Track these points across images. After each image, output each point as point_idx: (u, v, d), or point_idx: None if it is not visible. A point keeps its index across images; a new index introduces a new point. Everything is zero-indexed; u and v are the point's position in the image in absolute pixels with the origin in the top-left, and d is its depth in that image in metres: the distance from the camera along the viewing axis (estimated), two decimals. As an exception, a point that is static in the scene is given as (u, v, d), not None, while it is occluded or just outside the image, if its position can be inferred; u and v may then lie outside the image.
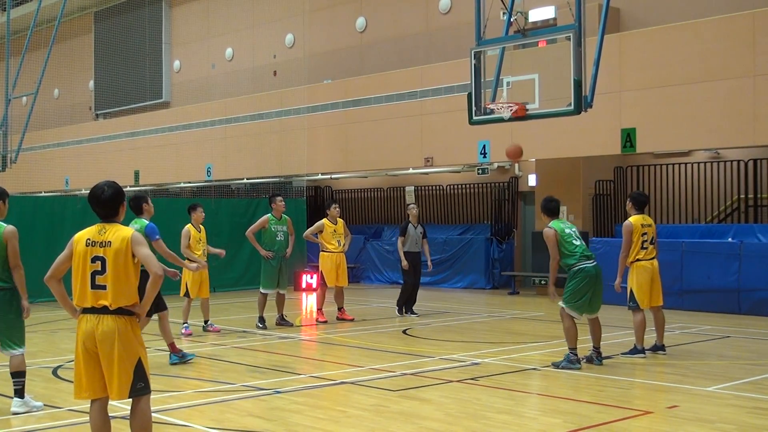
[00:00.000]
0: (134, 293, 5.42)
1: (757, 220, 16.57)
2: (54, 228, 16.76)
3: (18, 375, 7.41)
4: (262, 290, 13.20)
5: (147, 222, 9.73)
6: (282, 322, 13.40)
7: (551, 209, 9.60)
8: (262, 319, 13.12)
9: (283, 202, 13.34)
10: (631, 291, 10.12)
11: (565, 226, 9.52)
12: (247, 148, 24.18)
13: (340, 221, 14.22)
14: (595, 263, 9.42)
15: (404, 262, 14.34)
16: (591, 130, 16.41)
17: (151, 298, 5.41)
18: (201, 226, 12.47)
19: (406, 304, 14.68)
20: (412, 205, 14.97)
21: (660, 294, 10.29)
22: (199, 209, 12.59)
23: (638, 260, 10.13)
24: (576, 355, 9.33)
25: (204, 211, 12.81)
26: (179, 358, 9.85)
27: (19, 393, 7.42)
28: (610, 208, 18.76)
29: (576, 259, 9.34)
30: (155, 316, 9.52)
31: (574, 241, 9.39)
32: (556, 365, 9.38)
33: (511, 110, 12.08)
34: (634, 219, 10.22)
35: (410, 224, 14.47)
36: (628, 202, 10.54)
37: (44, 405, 7.53)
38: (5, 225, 7.34)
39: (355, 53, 24.55)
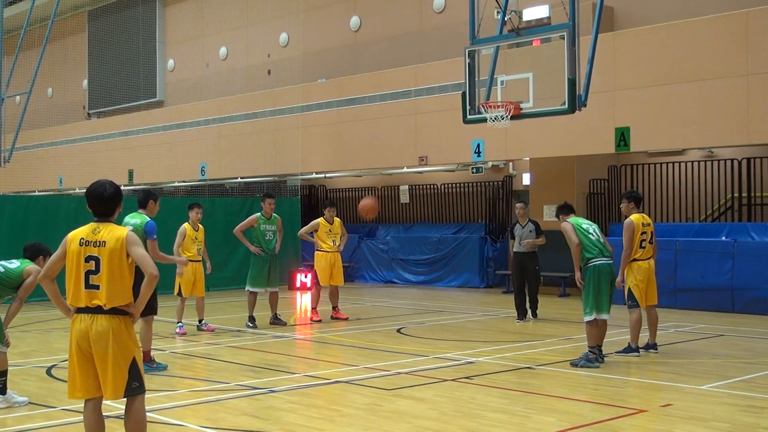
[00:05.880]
0: (129, 293, 5.40)
1: (751, 218, 16.61)
2: (47, 227, 16.70)
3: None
4: (251, 288, 13.14)
5: (148, 219, 9.27)
6: (276, 321, 13.34)
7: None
8: (252, 319, 13.08)
9: (273, 204, 13.27)
10: (629, 290, 10.14)
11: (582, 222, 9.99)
12: (242, 147, 24.14)
13: (337, 220, 14.32)
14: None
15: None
16: (585, 129, 16.43)
17: (145, 297, 5.40)
18: (199, 225, 12.72)
19: (519, 308, 13.85)
20: (519, 204, 14.30)
21: (655, 293, 10.31)
22: (196, 209, 12.67)
23: (635, 260, 10.12)
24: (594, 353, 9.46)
25: (202, 211, 12.82)
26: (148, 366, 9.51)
27: (1, 391, 7.46)
28: (604, 206, 18.79)
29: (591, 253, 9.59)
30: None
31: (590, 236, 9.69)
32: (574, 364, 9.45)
33: (504, 117, 12.14)
34: (635, 218, 10.17)
35: (518, 224, 14.02)
36: (625, 202, 10.41)
37: (40, 405, 7.52)
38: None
39: (350, 52, 24.53)
